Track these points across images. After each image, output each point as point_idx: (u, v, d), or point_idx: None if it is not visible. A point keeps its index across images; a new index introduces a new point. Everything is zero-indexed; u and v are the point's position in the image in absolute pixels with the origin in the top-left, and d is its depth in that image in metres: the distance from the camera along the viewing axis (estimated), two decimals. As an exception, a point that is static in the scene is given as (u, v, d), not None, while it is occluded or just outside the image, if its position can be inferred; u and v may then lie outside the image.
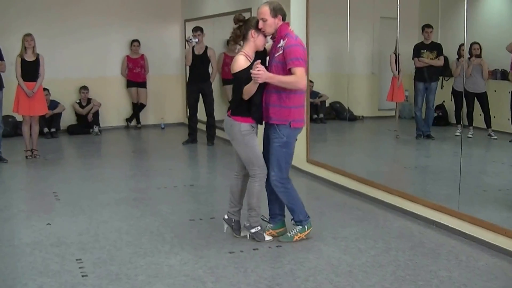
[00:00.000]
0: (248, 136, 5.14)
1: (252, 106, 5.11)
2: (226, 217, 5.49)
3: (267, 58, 5.26)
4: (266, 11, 5.06)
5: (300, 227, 5.36)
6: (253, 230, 5.32)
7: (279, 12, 5.10)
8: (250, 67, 4.99)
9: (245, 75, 4.99)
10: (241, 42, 5.22)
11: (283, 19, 5.15)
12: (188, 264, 4.79)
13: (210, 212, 6.34)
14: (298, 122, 5.18)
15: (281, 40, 5.07)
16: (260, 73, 4.82)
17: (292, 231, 5.37)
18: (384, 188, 6.58)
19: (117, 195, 7.07)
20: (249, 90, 4.98)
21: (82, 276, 4.57)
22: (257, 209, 5.29)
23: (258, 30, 5.09)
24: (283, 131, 5.12)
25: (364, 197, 6.84)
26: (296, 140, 5.31)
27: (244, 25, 5.14)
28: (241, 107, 5.13)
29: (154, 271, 4.65)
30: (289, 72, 4.98)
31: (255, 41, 5.12)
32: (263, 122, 5.29)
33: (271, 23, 5.07)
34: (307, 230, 5.38)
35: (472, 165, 6.82)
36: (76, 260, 4.89)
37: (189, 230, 5.68)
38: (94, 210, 6.41)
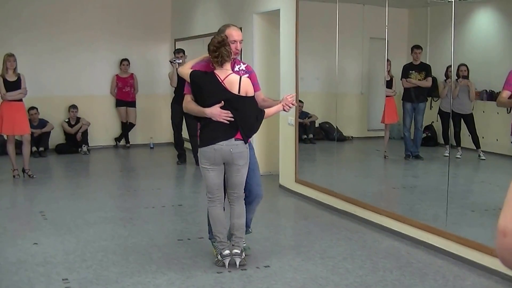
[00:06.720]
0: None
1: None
2: (227, 252, 5.13)
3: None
4: (241, 34, 5.16)
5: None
6: (244, 255, 5.21)
7: None
8: None
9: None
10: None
11: None
12: (175, 284, 4.77)
13: (198, 232, 6.31)
14: None
15: (235, 65, 5.15)
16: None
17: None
18: (372, 208, 6.58)
19: (105, 215, 7.03)
20: (272, 115, 5.23)
21: (68, 296, 4.54)
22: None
23: None
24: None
25: (352, 217, 6.84)
26: None
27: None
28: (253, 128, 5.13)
29: (141, 291, 4.63)
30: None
31: None
32: None
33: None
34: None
35: (460, 186, 6.85)
36: (62, 279, 4.85)
37: (177, 250, 5.66)
38: (81, 229, 6.37)
